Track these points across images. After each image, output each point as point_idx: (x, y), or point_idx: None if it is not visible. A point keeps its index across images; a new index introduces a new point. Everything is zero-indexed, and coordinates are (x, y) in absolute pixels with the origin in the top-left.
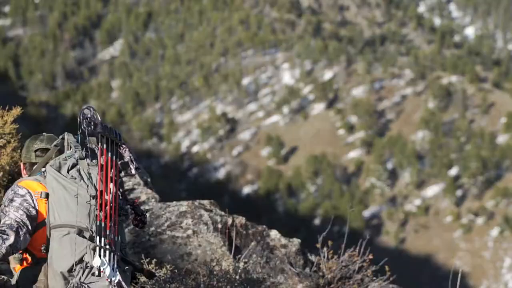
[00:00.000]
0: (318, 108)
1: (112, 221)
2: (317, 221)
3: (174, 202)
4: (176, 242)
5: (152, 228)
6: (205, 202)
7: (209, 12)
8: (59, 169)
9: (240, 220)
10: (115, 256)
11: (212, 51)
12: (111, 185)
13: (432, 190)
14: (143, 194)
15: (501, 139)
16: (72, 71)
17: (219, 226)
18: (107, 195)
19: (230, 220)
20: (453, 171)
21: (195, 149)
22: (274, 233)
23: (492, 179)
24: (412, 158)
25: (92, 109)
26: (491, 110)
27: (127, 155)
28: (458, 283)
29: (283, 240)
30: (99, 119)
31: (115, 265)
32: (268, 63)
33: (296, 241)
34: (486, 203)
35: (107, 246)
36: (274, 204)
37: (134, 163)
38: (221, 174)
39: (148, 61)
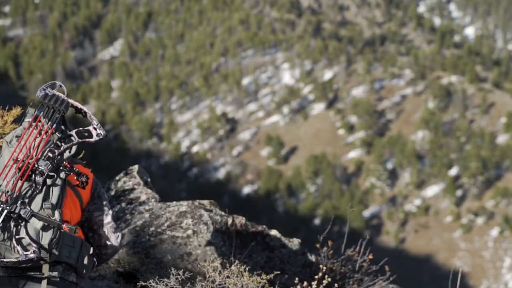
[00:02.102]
0: (318, 108)
1: (14, 178)
2: (317, 221)
3: (174, 202)
4: (176, 242)
5: (152, 228)
6: (205, 202)
7: (209, 12)
8: (9, 139)
9: (240, 220)
10: (3, 209)
11: (212, 51)
12: (30, 148)
13: (432, 190)
14: (143, 194)
15: (501, 139)
16: (72, 71)
17: (219, 226)
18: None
19: (230, 220)
20: (453, 171)
21: (195, 149)
22: (274, 233)
23: (492, 179)
24: (412, 158)
25: (58, 86)
26: (491, 110)
27: (93, 121)
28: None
29: (283, 240)
30: (56, 93)
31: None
32: (268, 63)
33: (296, 241)
34: (486, 203)
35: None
36: (274, 204)
37: (98, 130)
38: (221, 174)
39: (148, 61)
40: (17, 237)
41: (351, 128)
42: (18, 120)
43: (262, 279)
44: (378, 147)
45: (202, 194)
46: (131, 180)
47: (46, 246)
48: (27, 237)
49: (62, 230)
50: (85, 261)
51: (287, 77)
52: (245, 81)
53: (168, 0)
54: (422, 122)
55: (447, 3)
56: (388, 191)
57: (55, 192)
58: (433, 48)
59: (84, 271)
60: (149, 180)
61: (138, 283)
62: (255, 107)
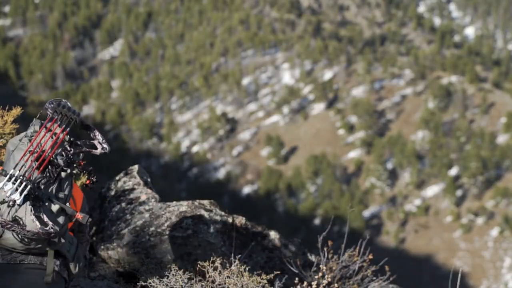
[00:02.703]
0: (318, 108)
1: (33, 166)
2: (317, 221)
3: (174, 202)
4: (176, 242)
5: (152, 228)
6: (205, 202)
7: (209, 12)
8: (19, 138)
9: (240, 220)
10: (26, 184)
11: (212, 51)
12: (47, 144)
13: (432, 190)
14: (143, 194)
15: (501, 139)
16: (72, 71)
17: (219, 226)
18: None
19: (230, 220)
20: (453, 171)
21: (195, 149)
22: (274, 233)
23: (492, 179)
24: (412, 158)
25: (64, 102)
26: (491, 110)
27: (98, 136)
28: (458, 283)
29: (283, 240)
30: (69, 104)
31: (22, 189)
32: (268, 63)
33: (296, 241)
34: (486, 203)
35: (20, 176)
36: (274, 204)
37: (102, 145)
38: (221, 174)
39: (148, 61)
40: (36, 214)
41: (351, 128)
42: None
43: (262, 279)
44: (378, 147)
45: (202, 194)
46: (131, 180)
47: (58, 230)
48: (45, 216)
49: (75, 218)
50: (81, 262)
51: (287, 77)
52: (245, 81)
53: (168, 0)
54: (422, 122)
55: (447, 3)
56: (388, 191)
57: (67, 185)
58: (433, 48)
59: (76, 270)
60: (149, 180)
61: (138, 283)
62: (255, 107)
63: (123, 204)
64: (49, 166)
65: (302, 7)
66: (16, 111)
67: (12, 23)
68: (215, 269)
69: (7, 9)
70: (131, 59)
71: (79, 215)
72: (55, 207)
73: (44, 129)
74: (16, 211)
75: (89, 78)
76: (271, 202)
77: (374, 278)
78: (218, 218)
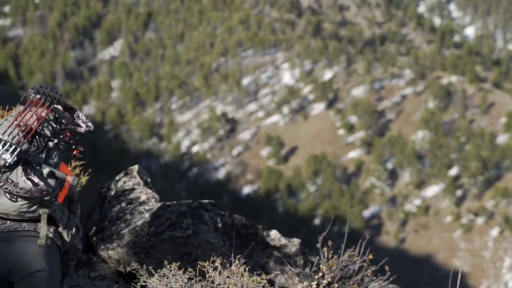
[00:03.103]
0: (318, 108)
1: (21, 132)
2: (317, 221)
3: (174, 202)
4: (176, 242)
5: (152, 228)
6: (205, 202)
7: (209, 12)
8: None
9: (240, 220)
10: (16, 147)
11: (212, 51)
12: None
13: (432, 190)
14: (143, 194)
15: (501, 139)
16: (72, 71)
17: (219, 226)
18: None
19: (230, 220)
20: (453, 171)
21: (195, 149)
22: (274, 233)
23: (492, 179)
24: (412, 158)
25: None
26: (491, 110)
27: (81, 116)
28: (458, 283)
29: (283, 240)
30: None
31: (12, 151)
32: (268, 63)
33: (296, 241)
34: (486, 203)
35: (8, 140)
36: (274, 204)
37: (86, 124)
38: (221, 174)
39: (148, 61)
40: (27, 176)
41: (351, 128)
42: None
43: (262, 279)
44: (378, 147)
45: (202, 194)
46: (131, 180)
47: (50, 190)
48: (36, 177)
49: (66, 181)
50: (73, 228)
51: (287, 77)
52: (245, 81)
53: (168, 0)
54: (422, 122)
55: (447, 3)
56: (388, 191)
57: (55, 154)
58: (433, 48)
59: (69, 238)
60: (149, 180)
61: (138, 283)
62: (255, 107)
63: (123, 204)
64: (37, 137)
65: (302, 7)
66: (16, 111)
67: (12, 23)
68: (215, 269)
69: (7, 9)
70: (131, 59)
71: (69, 178)
72: (45, 171)
73: (27, 109)
74: (9, 173)
75: (89, 78)
76: (271, 202)
77: (374, 278)
78: (218, 218)
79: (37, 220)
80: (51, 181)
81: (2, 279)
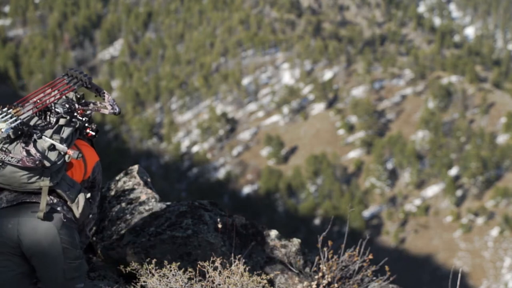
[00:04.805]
0: (318, 108)
1: (29, 106)
2: (317, 221)
3: (174, 202)
4: (176, 242)
5: (152, 228)
6: (205, 202)
7: (209, 12)
8: None
9: (240, 220)
10: (16, 119)
11: (212, 51)
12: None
13: (432, 190)
14: (143, 194)
15: (501, 139)
16: None
17: (219, 226)
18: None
19: (230, 220)
20: (453, 171)
21: (195, 149)
22: (274, 233)
23: (492, 179)
24: (412, 158)
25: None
26: (491, 110)
27: (108, 98)
28: (458, 283)
29: (283, 240)
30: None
31: (9, 121)
32: (268, 63)
33: (296, 241)
34: (486, 203)
35: (10, 111)
36: (274, 204)
37: (112, 106)
38: (221, 174)
39: (148, 61)
40: (25, 147)
41: (351, 128)
42: None
43: (262, 279)
44: (378, 147)
45: (202, 194)
46: (131, 180)
47: (49, 165)
48: (33, 149)
49: (67, 155)
50: (82, 203)
51: (287, 77)
52: (245, 81)
53: (168, 0)
54: (422, 122)
55: (447, 3)
56: (388, 191)
57: (66, 131)
58: (433, 48)
59: (80, 213)
60: (149, 180)
61: (138, 283)
62: (255, 107)
63: (123, 204)
64: (48, 113)
65: (302, 7)
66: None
67: (12, 23)
68: (215, 269)
69: (7, 9)
70: (131, 59)
71: (69, 151)
72: (46, 144)
73: (49, 86)
74: (9, 145)
75: None
76: (271, 202)
77: (374, 278)
78: (218, 218)
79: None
80: (52, 154)
81: (14, 249)
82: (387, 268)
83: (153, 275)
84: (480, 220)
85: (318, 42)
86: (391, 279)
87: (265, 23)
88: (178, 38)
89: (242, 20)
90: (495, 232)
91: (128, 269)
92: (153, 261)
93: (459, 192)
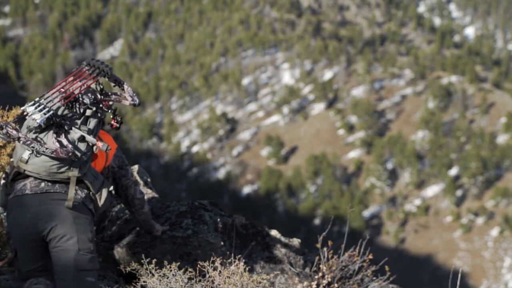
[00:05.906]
0: (318, 108)
1: (59, 97)
2: (317, 221)
3: (174, 202)
4: (176, 242)
5: None
6: (205, 202)
7: (209, 12)
8: None
9: (240, 220)
10: (49, 110)
11: (212, 51)
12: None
13: (432, 190)
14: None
15: (501, 139)
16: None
17: (219, 226)
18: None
19: (230, 220)
20: (453, 171)
21: (195, 149)
22: (274, 233)
23: (492, 179)
24: (412, 158)
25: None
26: (491, 110)
27: (129, 90)
28: (458, 283)
29: (283, 240)
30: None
31: (43, 112)
32: (268, 63)
33: (296, 241)
34: (486, 203)
35: (43, 102)
36: (274, 204)
37: (133, 97)
38: (221, 174)
39: (148, 61)
40: (57, 138)
41: (351, 128)
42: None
43: (262, 279)
44: (378, 147)
45: (202, 194)
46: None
47: (79, 155)
48: (65, 140)
49: (95, 146)
50: (104, 194)
51: (287, 77)
52: (245, 81)
53: (168, 0)
54: (422, 122)
55: (447, 3)
56: (388, 191)
57: (92, 122)
58: (433, 48)
59: (102, 204)
60: (149, 180)
61: (138, 283)
62: (255, 107)
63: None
64: (76, 104)
65: (302, 7)
66: (16, 111)
67: (12, 23)
68: (215, 269)
69: (7, 9)
70: (131, 59)
71: (99, 143)
72: (76, 135)
73: (73, 77)
74: (41, 134)
75: None
76: (271, 202)
77: (374, 278)
78: (218, 218)
79: (68, 182)
80: (82, 145)
81: (34, 240)
82: (387, 268)
83: (153, 275)
84: (480, 220)
85: (318, 42)
86: (391, 279)
87: (265, 23)
88: (178, 38)
89: (242, 20)
90: (495, 232)
91: (128, 269)
92: (153, 261)
93: (459, 192)
